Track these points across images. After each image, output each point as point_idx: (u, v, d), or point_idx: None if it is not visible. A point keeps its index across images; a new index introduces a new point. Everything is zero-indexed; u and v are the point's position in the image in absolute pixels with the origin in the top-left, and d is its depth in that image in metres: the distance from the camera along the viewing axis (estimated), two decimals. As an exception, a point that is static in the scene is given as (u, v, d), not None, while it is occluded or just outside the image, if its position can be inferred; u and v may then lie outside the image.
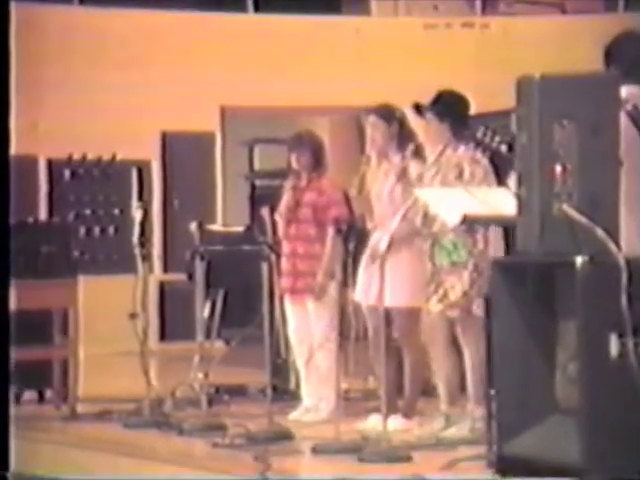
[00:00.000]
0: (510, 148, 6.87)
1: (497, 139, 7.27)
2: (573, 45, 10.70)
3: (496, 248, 5.75)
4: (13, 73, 4.74)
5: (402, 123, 6.30)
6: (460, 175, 5.88)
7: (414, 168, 6.19)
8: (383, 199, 6.31)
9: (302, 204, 6.66)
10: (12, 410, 5.16)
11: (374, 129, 6.35)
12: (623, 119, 4.63)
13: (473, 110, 6.28)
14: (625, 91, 4.65)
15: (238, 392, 7.39)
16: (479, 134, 7.25)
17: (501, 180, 5.89)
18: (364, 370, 7.24)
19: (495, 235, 5.75)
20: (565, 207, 4.42)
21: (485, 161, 5.97)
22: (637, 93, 4.77)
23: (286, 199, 6.73)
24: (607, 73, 4.77)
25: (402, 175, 6.26)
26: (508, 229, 5.51)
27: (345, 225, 6.38)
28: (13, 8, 4.77)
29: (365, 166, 6.41)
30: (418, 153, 6.23)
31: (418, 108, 6.10)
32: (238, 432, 5.98)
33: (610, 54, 4.85)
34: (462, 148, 5.97)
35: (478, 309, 5.78)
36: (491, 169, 5.92)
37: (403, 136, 6.30)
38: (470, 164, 5.89)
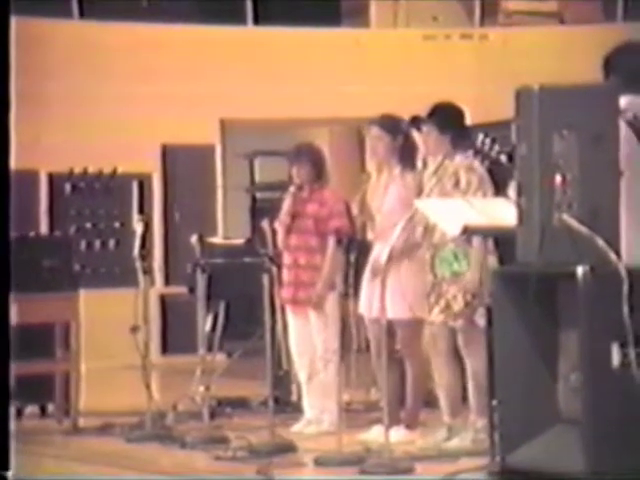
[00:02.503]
0: (510, 158, 6.88)
1: (496, 148, 7.27)
2: (572, 55, 10.71)
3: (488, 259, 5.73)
4: (13, 87, 4.75)
5: (407, 136, 6.28)
6: (457, 184, 5.89)
7: (414, 180, 6.19)
8: (383, 211, 6.31)
9: (304, 215, 6.66)
10: (12, 408, 5.14)
11: (377, 140, 6.34)
12: (624, 128, 4.63)
13: (472, 121, 6.29)
14: (625, 100, 4.66)
15: (240, 404, 7.39)
16: (478, 142, 7.25)
17: (501, 190, 5.89)
18: (366, 381, 7.24)
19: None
20: (565, 217, 4.42)
21: (481, 169, 5.97)
22: (637, 102, 4.77)
23: (286, 208, 6.71)
24: (606, 83, 4.77)
25: (403, 187, 6.25)
26: (498, 239, 5.51)
27: (346, 236, 6.38)
28: (13, 22, 4.78)
29: (365, 184, 6.40)
30: (420, 165, 6.24)
31: (415, 121, 6.10)
32: (240, 445, 5.97)
33: (609, 64, 4.86)
34: (458, 157, 5.98)
35: (481, 319, 5.77)
36: (487, 177, 5.93)
37: (407, 148, 6.29)
38: (466, 172, 5.90)
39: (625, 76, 4.76)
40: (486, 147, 7.25)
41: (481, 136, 7.33)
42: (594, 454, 4.30)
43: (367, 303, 6.27)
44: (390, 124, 6.32)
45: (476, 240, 5.60)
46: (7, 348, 4.78)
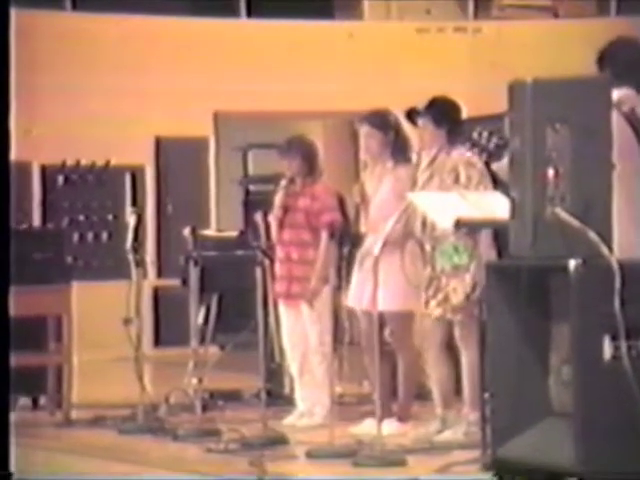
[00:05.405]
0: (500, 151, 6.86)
1: (494, 141, 7.23)
2: (565, 49, 10.72)
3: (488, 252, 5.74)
4: (13, 78, 4.72)
5: (397, 130, 6.28)
6: (457, 179, 5.89)
7: (407, 173, 6.19)
8: (376, 203, 6.31)
9: (295, 209, 6.65)
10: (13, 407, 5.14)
11: (369, 138, 6.32)
12: (619, 121, 4.64)
13: (466, 114, 6.29)
14: (619, 93, 4.68)
15: (232, 397, 7.39)
16: (475, 135, 7.23)
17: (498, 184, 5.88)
18: (358, 374, 7.24)
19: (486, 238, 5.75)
20: (558, 210, 4.43)
21: (480, 164, 5.97)
22: (632, 95, 4.80)
23: (278, 201, 6.69)
24: (599, 76, 4.78)
25: (395, 180, 6.25)
26: (498, 232, 5.51)
27: (339, 230, 6.38)
28: (13, 15, 4.75)
29: (363, 172, 6.40)
30: (412, 158, 6.23)
31: (412, 113, 6.09)
32: (232, 437, 5.98)
33: (604, 58, 4.89)
34: (455, 152, 5.97)
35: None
36: (486, 171, 5.93)
37: (399, 142, 6.29)
38: (465, 167, 5.90)
39: (619, 69, 4.79)
40: (483, 140, 7.23)
41: (478, 129, 7.31)
42: (585, 447, 4.31)
43: (357, 295, 6.27)
44: (380, 120, 6.31)
45: (480, 233, 5.60)
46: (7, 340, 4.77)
